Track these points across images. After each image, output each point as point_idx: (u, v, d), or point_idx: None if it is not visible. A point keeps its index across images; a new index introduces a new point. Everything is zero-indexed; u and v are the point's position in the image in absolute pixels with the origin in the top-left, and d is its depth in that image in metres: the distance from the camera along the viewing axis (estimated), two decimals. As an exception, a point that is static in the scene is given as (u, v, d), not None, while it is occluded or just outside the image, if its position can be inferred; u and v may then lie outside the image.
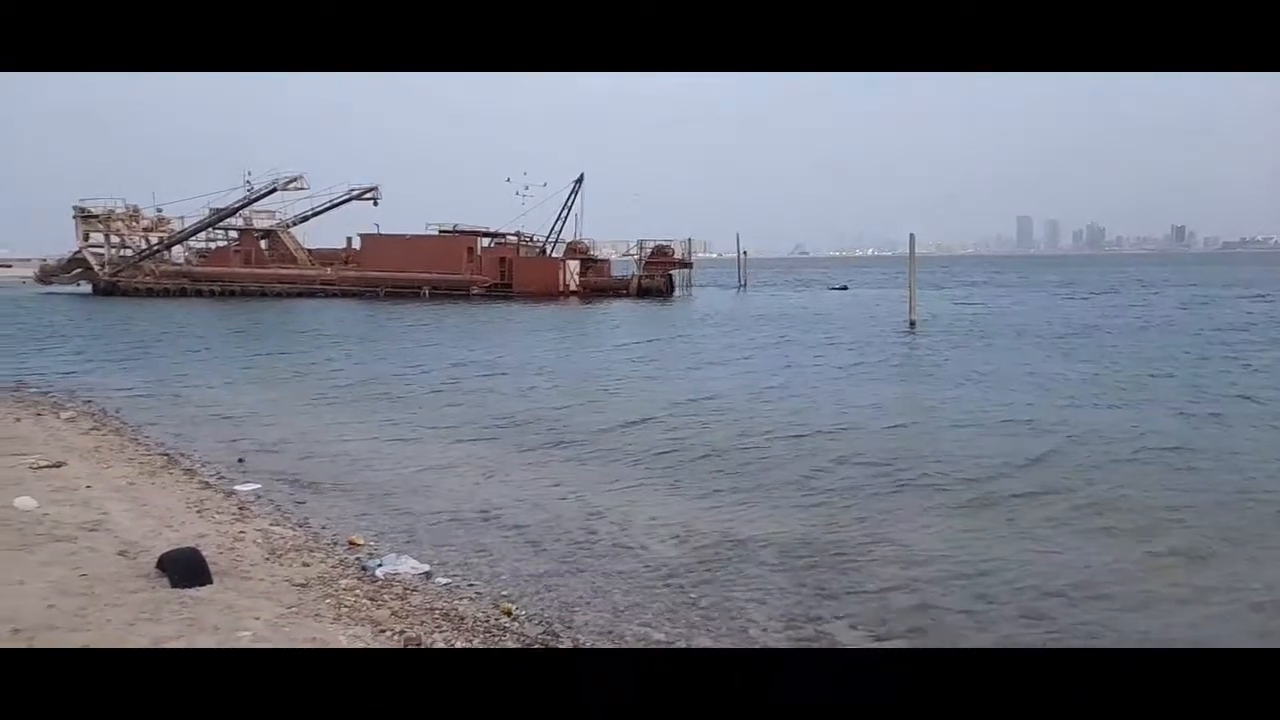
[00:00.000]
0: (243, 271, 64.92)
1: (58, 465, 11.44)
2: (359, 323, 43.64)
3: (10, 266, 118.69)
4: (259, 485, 11.77)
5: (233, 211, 65.48)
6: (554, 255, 63.45)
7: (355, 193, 65.20)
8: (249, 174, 65.13)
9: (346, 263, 65.98)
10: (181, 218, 68.44)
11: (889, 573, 8.34)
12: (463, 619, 7.12)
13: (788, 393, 19.67)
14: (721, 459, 13.16)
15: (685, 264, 63.33)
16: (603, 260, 65.25)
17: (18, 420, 15.61)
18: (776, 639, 7.04)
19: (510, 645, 6.71)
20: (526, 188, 63.94)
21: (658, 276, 61.11)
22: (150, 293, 63.90)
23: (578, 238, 63.41)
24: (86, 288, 68.97)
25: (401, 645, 6.39)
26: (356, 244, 66.67)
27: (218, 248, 68.73)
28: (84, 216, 67.17)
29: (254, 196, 64.59)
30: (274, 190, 64.17)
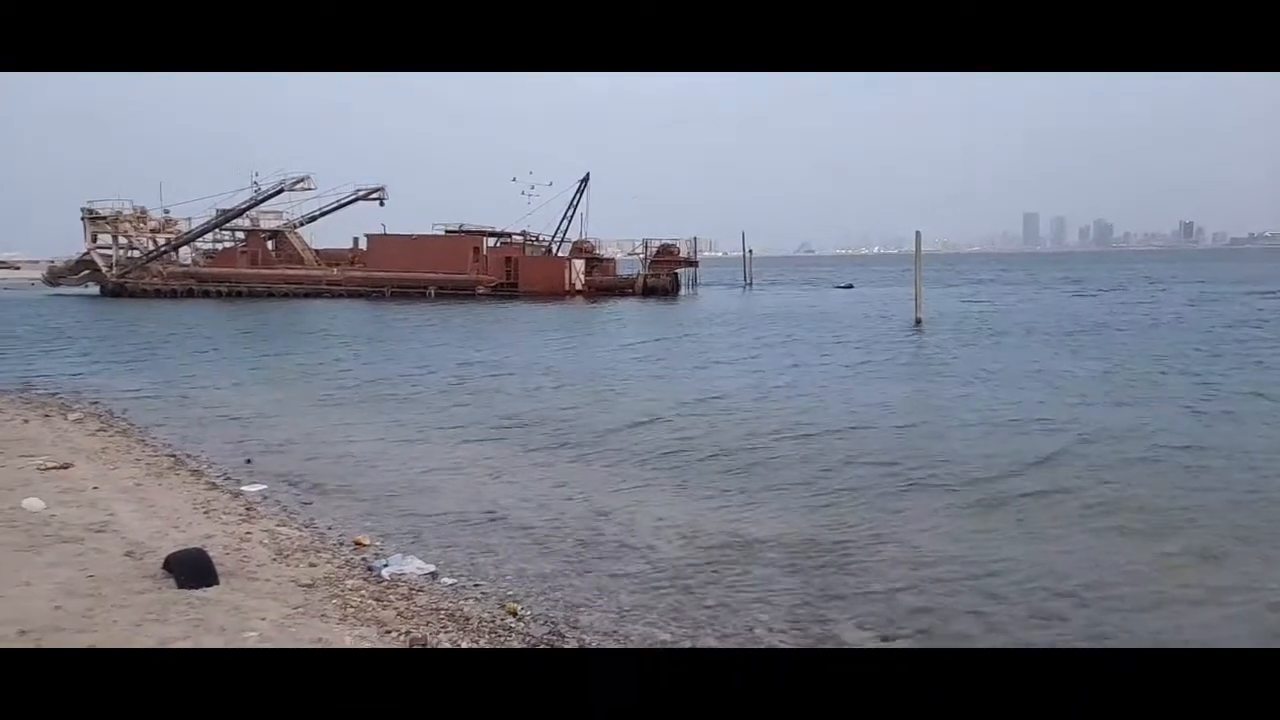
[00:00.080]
0: (249, 272, 65.11)
1: (65, 466, 11.48)
2: (365, 323, 43.72)
3: (19, 269, 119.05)
4: (265, 486, 11.80)
5: (240, 212, 65.66)
6: (559, 255, 63.51)
7: (362, 193, 65.33)
8: (256, 175, 65.47)
9: (353, 263, 66.14)
10: (189, 219, 68.80)
11: (897, 573, 8.30)
12: (468, 619, 7.12)
13: (795, 392, 19.65)
14: (728, 459, 13.14)
15: (691, 263, 63.39)
16: (608, 259, 65.26)
17: (25, 421, 15.67)
18: (782, 640, 7.02)
19: (516, 646, 6.72)
20: (533, 187, 64.14)
21: (663, 275, 61.15)
22: (158, 294, 64.09)
23: (583, 237, 63.46)
24: (94, 289, 69.24)
25: (407, 645, 6.40)
26: (363, 244, 66.83)
27: (225, 249, 68.96)
28: (92, 218, 67.40)
29: (261, 197, 64.80)
30: (281, 191, 64.39)
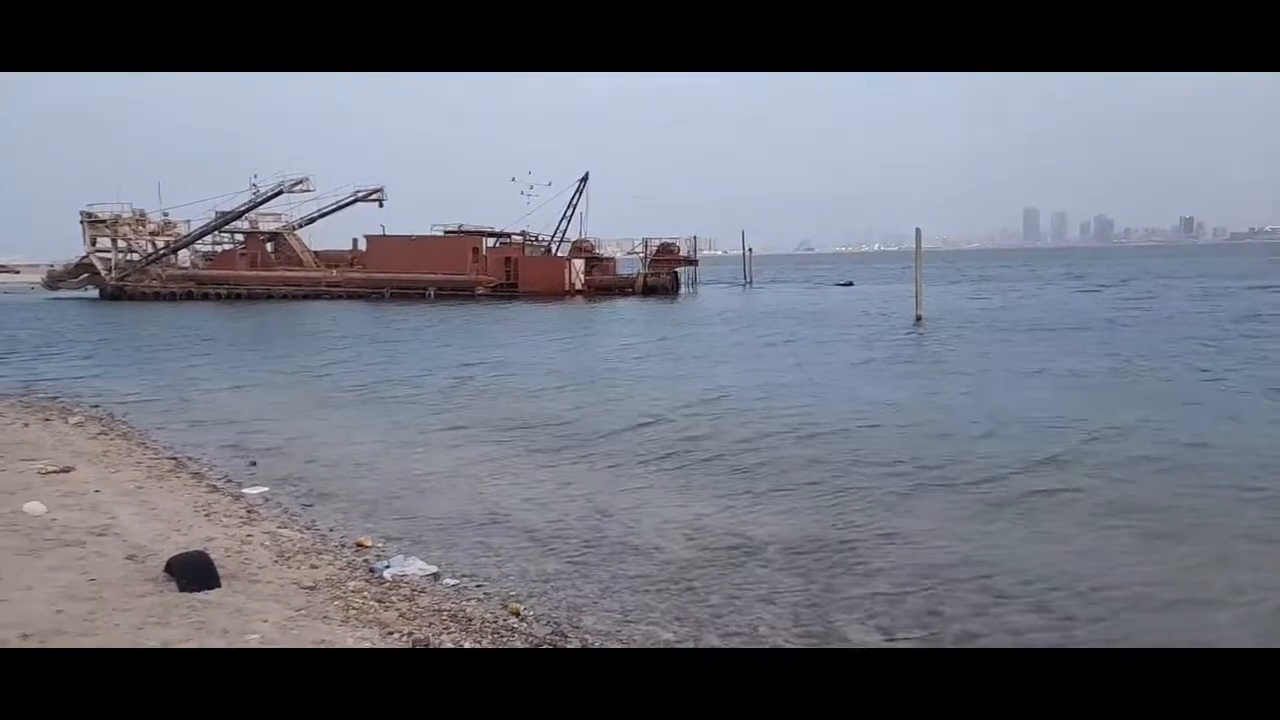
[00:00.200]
0: (249, 274, 65.15)
1: (66, 470, 11.48)
2: (365, 324, 43.72)
3: (18, 272, 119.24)
4: (266, 488, 11.80)
5: (239, 214, 65.72)
6: (559, 254, 63.52)
7: (361, 194, 65.37)
8: (255, 177, 65.50)
9: (352, 264, 66.21)
10: (187, 221, 68.89)
11: (902, 574, 8.27)
12: (471, 620, 7.12)
13: (797, 391, 19.61)
14: (732, 458, 13.12)
15: (690, 261, 63.47)
16: (608, 259, 65.33)
17: (26, 425, 15.68)
18: (786, 640, 7.02)
19: (518, 646, 6.72)
20: (531, 187, 64.21)
21: (663, 274, 61.20)
22: (157, 297, 64.16)
23: (583, 236, 63.48)
24: (93, 293, 69.29)
25: (409, 646, 6.40)
26: (362, 246, 66.86)
27: (224, 251, 69.04)
28: (91, 221, 67.48)
29: (260, 199, 64.87)
30: (279, 193, 64.44)
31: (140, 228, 68.48)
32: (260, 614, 6.60)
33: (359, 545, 9.28)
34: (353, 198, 65.48)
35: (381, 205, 65.83)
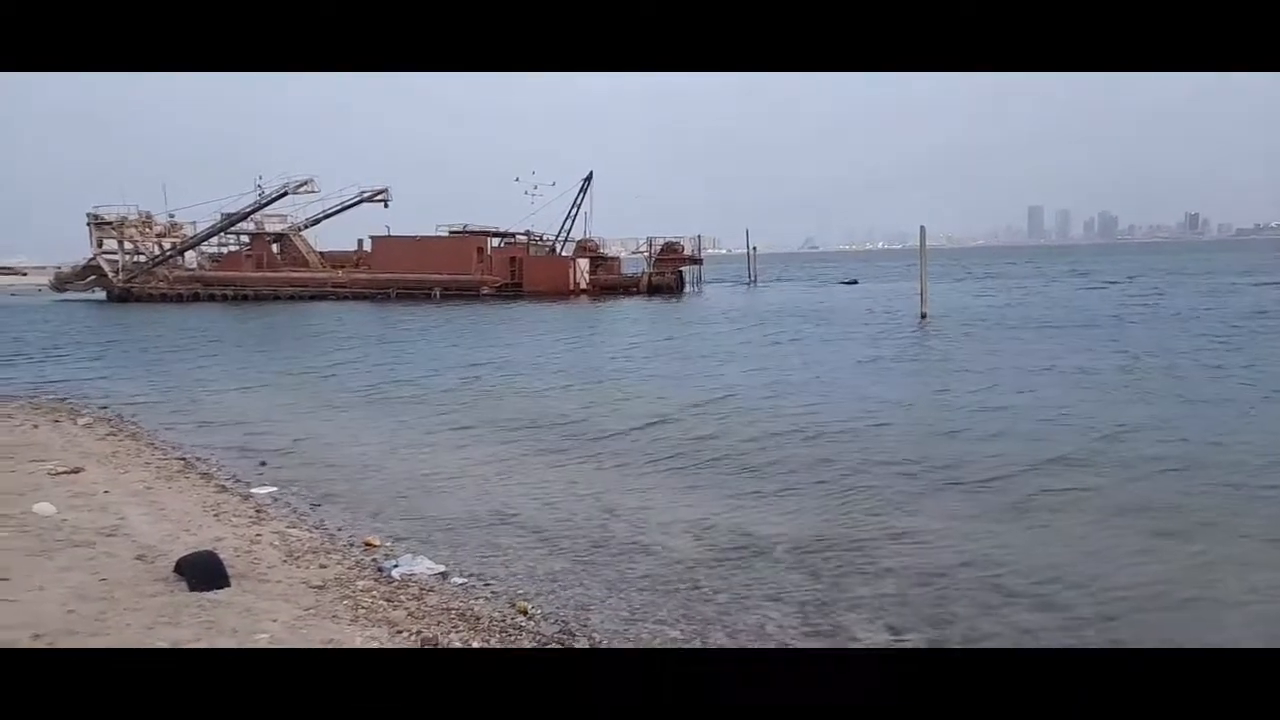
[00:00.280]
0: (255, 275, 65.30)
1: (75, 471, 11.54)
2: (371, 325, 43.78)
3: (25, 274, 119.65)
4: (275, 488, 11.84)
5: (244, 216, 65.85)
6: (564, 254, 63.53)
7: (366, 195, 65.45)
8: (260, 178, 65.61)
9: (358, 265, 66.29)
10: (193, 223, 69.01)
11: (909, 573, 8.24)
12: (479, 619, 7.15)
13: (804, 389, 19.61)
14: (739, 457, 13.12)
15: (695, 260, 63.44)
16: (612, 258, 65.27)
17: (35, 427, 15.75)
18: (793, 639, 7.03)
19: (526, 645, 6.74)
20: (535, 187, 64.21)
21: (668, 273, 61.20)
22: (164, 298, 64.33)
23: (587, 236, 63.48)
24: (101, 295, 69.45)
25: (418, 645, 6.43)
26: (367, 246, 66.97)
27: (230, 252, 69.21)
28: (97, 223, 67.64)
29: (265, 201, 65.01)
30: (285, 194, 64.55)
31: (147, 230, 68.64)
32: (270, 613, 6.64)
33: (367, 544, 9.32)
34: (358, 198, 65.58)
35: (386, 206, 65.98)
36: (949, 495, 10.77)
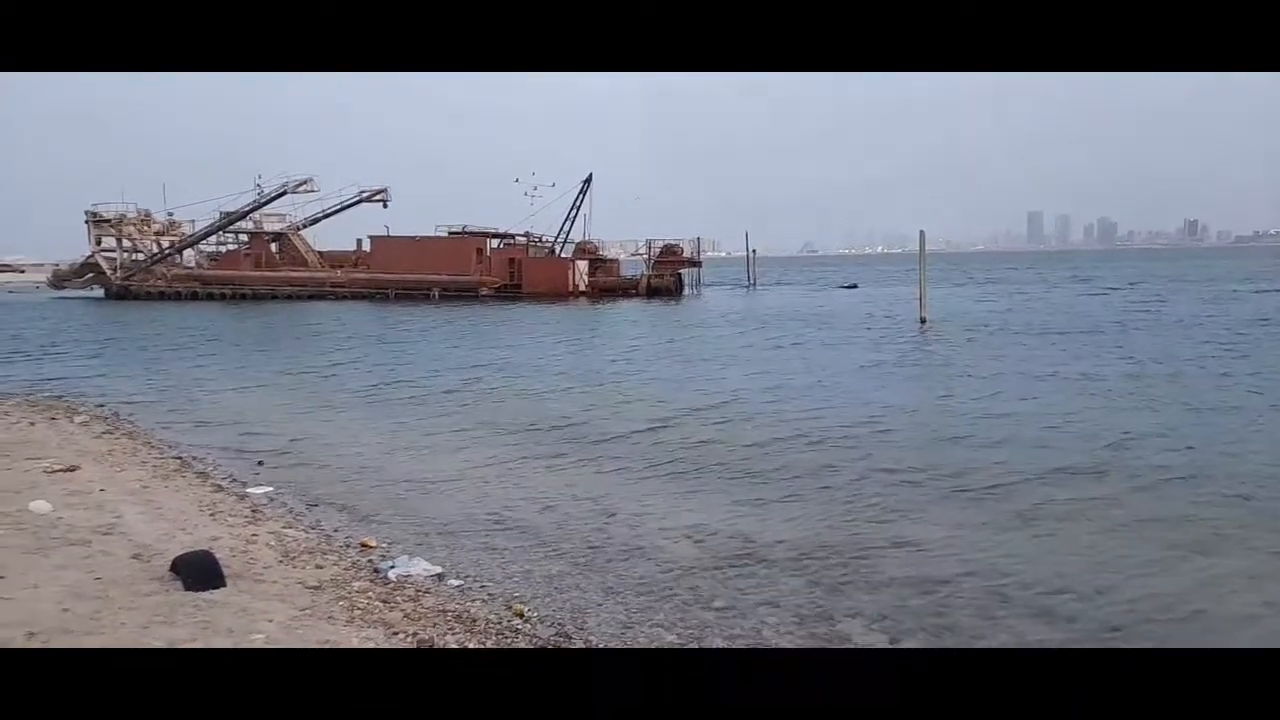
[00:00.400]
0: (253, 275, 65.32)
1: (71, 469, 11.51)
2: (370, 325, 43.77)
3: (23, 272, 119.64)
4: (271, 488, 11.82)
5: (243, 215, 65.89)
6: (563, 255, 63.55)
7: (366, 195, 65.47)
8: (259, 177, 65.67)
9: (356, 265, 66.30)
10: (192, 221, 69.10)
11: (908, 579, 8.21)
12: (475, 621, 7.13)
13: (805, 394, 19.57)
14: (740, 462, 13.08)
15: (694, 263, 63.48)
16: (611, 260, 65.31)
17: (32, 424, 15.72)
18: (790, 641, 7.01)
19: (522, 646, 6.72)
20: (535, 188, 64.27)
21: (667, 276, 61.25)
22: (162, 296, 64.36)
23: (586, 238, 63.52)
24: (99, 292, 69.47)
25: (414, 647, 6.40)
26: (366, 246, 66.97)
27: (229, 251, 69.23)
28: (96, 221, 67.67)
29: (264, 200, 65.05)
30: (284, 193, 64.60)
31: (145, 227, 68.71)
32: (265, 613, 6.62)
33: (364, 545, 9.30)
34: (357, 198, 65.61)
35: (385, 206, 66.05)
36: (953, 503, 10.69)
